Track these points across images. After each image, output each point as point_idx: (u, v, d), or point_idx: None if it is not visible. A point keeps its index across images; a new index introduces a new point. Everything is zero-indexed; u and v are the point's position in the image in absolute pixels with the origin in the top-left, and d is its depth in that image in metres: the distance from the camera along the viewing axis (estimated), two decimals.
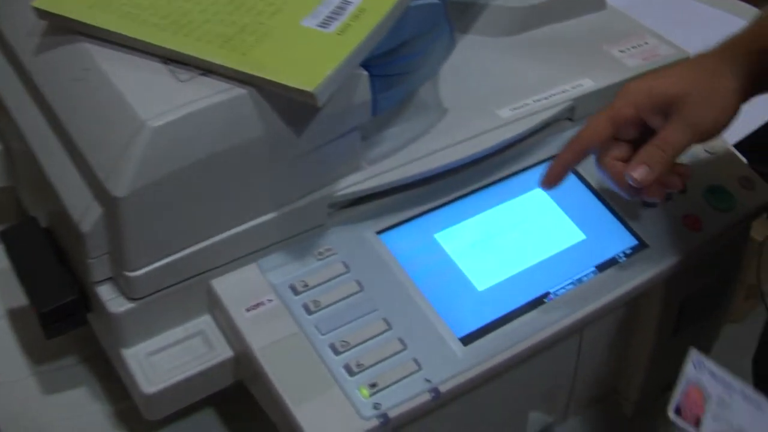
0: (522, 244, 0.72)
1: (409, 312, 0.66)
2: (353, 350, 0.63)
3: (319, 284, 0.66)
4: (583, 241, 0.73)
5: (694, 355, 0.59)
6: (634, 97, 0.65)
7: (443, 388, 0.63)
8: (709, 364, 0.60)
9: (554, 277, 0.71)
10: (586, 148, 0.67)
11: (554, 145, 0.77)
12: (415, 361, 0.63)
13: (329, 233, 0.69)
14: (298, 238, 0.68)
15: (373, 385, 0.62)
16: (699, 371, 0.59)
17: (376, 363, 0.63)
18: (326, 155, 0.65)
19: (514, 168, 0.76)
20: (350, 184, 0.68)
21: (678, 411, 0.58)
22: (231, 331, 0.65)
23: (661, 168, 0.63)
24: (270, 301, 0.65)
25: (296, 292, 0.65)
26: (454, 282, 0.69)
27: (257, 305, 0.64)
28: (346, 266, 0.67)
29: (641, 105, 0.65)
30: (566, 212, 0.75)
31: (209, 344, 0.65)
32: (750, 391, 0.60)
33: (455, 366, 0.64)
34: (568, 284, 0.70)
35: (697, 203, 0.78)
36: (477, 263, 0.70)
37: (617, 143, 0.66)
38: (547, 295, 0.70)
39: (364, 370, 0.62)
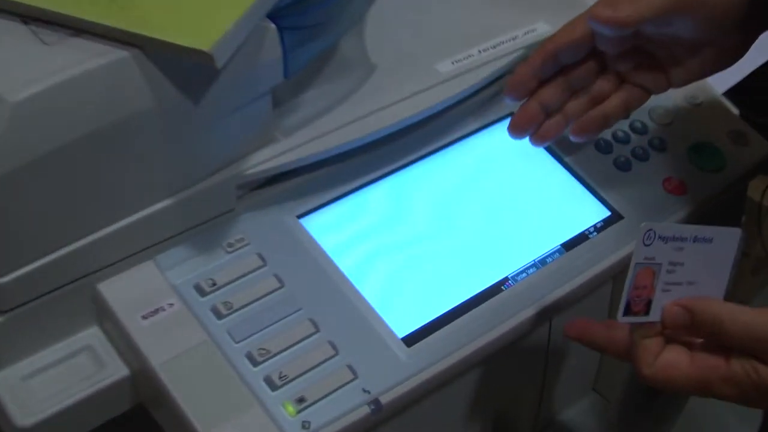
0: (473, 223, 0.72)
1: (341, 310, 0.66)
2: (275, 359, 0.63)
3: (230, 282, 0.66)
4: (545, 215, 0.74)
5: (644, 230, 0.59)
6: None
7: (385, 399, 0.63)
8: (660, 228, 0.60)
9: (513, 259, 0.71)
10: (557, 49, 0.68)
11: (507, 103, 0.77)
12: (350, 368, 0.63)
13: (240, 220, 0.68)
14: (202, 227, 0.67)
15: (300, 400, 0.61)
16: (649, 244, 0.59)
17: (304, 373, 0.63)
18: (232, 127, 0.65)
19: (460, 133, 0.76)
20: (262, 161, 0.67)
21: (628, 310, 0.59)
22: (125, 345, 0.64)
23: (627, 13, 0.64)
24: (171, 305, 0.64)
25: (203, 293, 0.65)
26: (394, 272, 0.69)
27: (156, 311, 0.64)
28: (262, 259, 0.67)
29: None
30: (524, 183, 0.75)
31: (99, 362, 0.65)
32: (702, 230, 0.61)
33: (398, 372, 0.64)
34: (529, 267, 0.71)
35: (680, 164, 0.78)
36: (422, 246, 0.70)
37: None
38: (504, 281, 0.70)
39: (288, 382, 0.62)
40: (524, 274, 0.70)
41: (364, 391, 0.62)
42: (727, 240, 0.61)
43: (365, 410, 0.62)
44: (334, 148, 0.69)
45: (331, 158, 0.71)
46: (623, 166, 0.77)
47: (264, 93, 0.66)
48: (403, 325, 0.66)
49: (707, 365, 0.58)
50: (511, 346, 0.70)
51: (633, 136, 0.79)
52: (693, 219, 0.76)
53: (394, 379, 0.63)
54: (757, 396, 0.56)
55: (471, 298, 0.68)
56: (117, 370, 0.64)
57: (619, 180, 0.76)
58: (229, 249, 0.67)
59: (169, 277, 0.66)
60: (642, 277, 0.59)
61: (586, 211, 0.74)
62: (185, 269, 0.66)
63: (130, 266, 0.65)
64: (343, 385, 0.63)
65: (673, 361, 0.58)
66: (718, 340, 0.58)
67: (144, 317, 0.64)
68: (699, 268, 0.61)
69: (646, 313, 0.59)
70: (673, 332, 0.59)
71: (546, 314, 0.70)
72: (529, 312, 0.69)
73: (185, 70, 0.60)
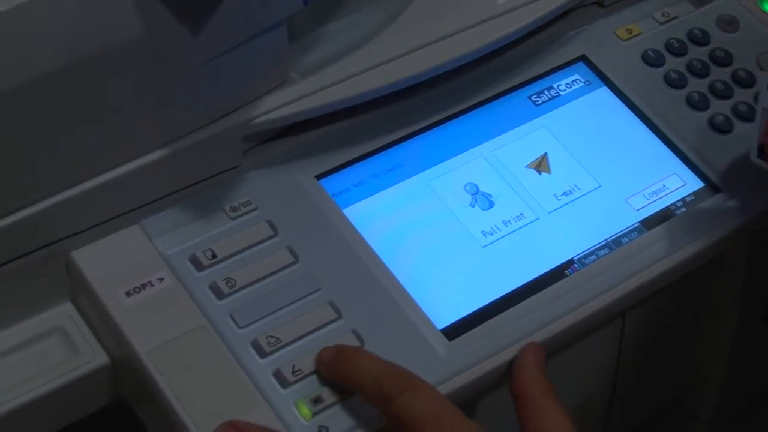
0: (532, 191, 0.73)
1: (367, 293, 0.67)
2: (287, 349, 0.64)
3: (234, 254, 0.67)
4: (622, 184, 0.74)
5: None
6: None
7: None
8: None
9: (580, 238, 0.72)
10: None
11: (579, 43, 0.78)
12: None
13: (246, 179, 0.70)
14: (200, 187, 0.68)
15: (316, 400, 0.63)
16: None
17: None
18: (238, 64, 0.66)
19: (521, 78, 0.76)
20: (275, 107, 0.68)
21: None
22: (104, 326, 0.65)
23: None
24: (161, 280, 0.66)
25: (200, 267, 0.66)
26: (434, 248, 0.70)
27: (142, 287, 0.65)
28: (273, 227, 0.68)
29: None
30: (597, 144, 0.75)
31: (72, 346, 0.66)
32: None
33: (437, 370, 0.65)
34: (600, 248, 0.71)
35: None
36: (466, 218, 0.71)
37: None
38: (569, 264, 0.71)
39: (303, 378, 0.63)
40: (594, 257, 0.71)
41: None
42: None
43: None
44: (362, 93, 0.70)
45: (359, 106, 0.71)
46: (722, 126, 0.77)
47: (278, 22, 0.66)
48: (443, 314, 0.67)
49: None
50: (574, 344, 0.70)
51: (736, 89, 0.79)
52: None
53: (431, 378, 0.63)
54: None
55: (527, 283, 0.69)
56: (94, 356, 0.65)
57: (716, 143, 0.76)
58: (233, 214, 0.68)
59: (158, 245, 0.66)
60: None
61: (672, 180, 0.75)
62: (178, 237, 0.67)
63: (111, 231, 0.66)
64: None
65: None
66: None
67: (128, 294, 0.64)
68: None
69: None
70: None
71: (619, 307, 0.70)
72: (597, 303, 0.69)
73: None
